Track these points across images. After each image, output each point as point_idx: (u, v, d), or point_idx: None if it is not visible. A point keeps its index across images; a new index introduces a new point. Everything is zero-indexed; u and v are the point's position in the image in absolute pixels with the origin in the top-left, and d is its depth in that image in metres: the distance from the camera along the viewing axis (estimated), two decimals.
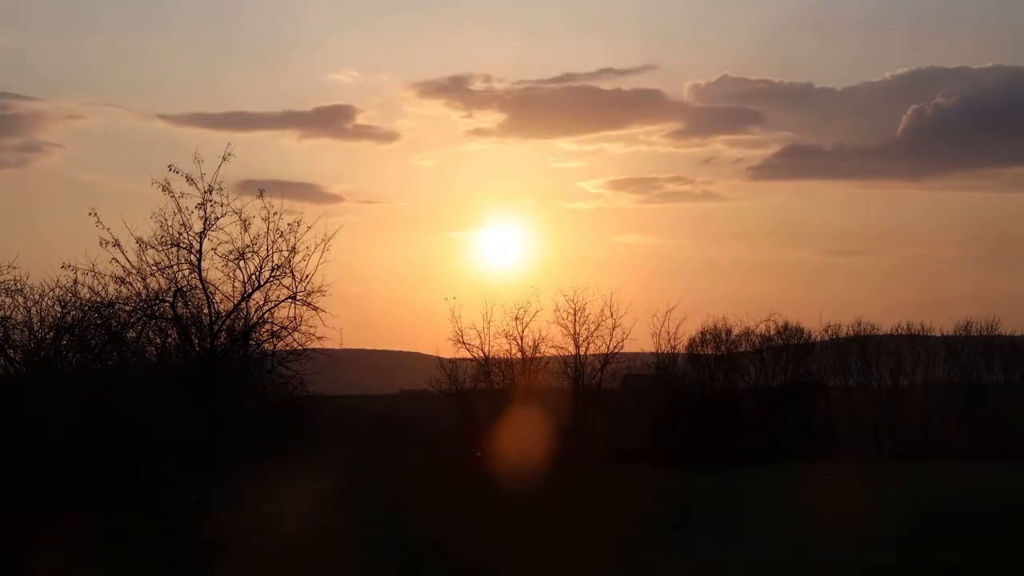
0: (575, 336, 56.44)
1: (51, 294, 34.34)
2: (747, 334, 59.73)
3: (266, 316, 37.40)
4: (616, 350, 56.78)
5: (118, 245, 35.26)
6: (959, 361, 59.95)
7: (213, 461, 33.94)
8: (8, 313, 34.11)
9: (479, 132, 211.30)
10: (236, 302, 37.00)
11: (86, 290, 35.00)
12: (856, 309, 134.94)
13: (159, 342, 37.69)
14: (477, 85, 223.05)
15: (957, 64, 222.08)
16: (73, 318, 34.67)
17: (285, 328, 37.22)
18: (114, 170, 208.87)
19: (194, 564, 20.98)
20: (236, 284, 36.83)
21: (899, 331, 60.97)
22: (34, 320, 34.28)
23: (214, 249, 36.30)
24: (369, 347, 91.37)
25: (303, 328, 37.07)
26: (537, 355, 56.28)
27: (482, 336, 55.54)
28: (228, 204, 35.92)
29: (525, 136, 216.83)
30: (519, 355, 55.95)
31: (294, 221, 36.67)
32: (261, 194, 36.31)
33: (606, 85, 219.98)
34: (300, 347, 37.80)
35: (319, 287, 36.90)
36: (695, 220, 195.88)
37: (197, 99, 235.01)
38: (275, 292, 37.13)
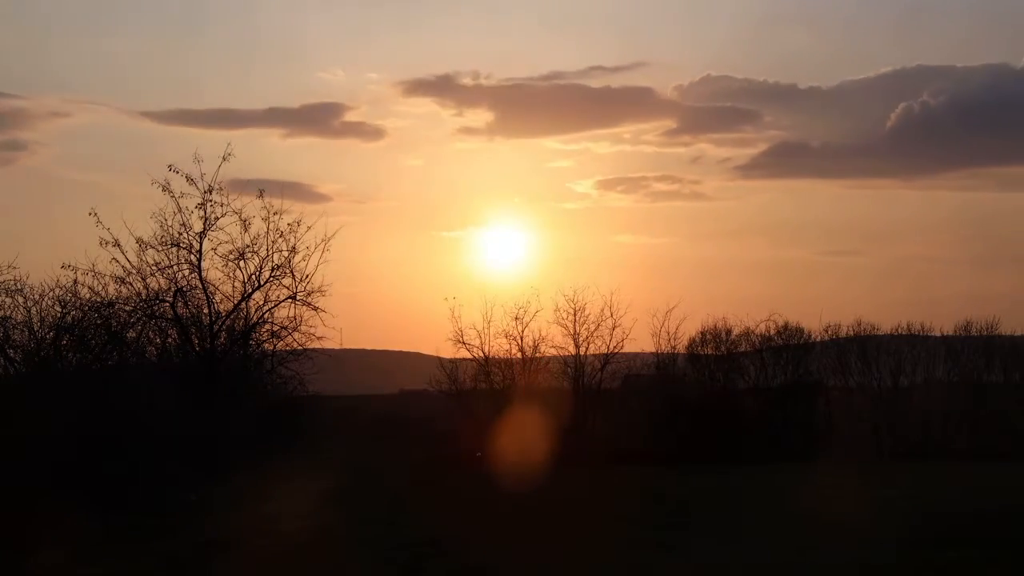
0: (575, 336, 56.46)
1: (51, 294, 34.41)
2: (747, 334, 59.76)
3: (266, 316, 37.45)
4: (616, 350, 56.81)
5: (118, 245, 35.33)
6: (959, 361, 59.95)
7: (213, 461, 33.93)
8: (8, 313, 34.17)
9: (467, 131, 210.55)
10: (236, 302, 37.04)
11: (86, 290, 35.06)
12: (850, 308, 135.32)
13: (159, 342, 37.73)
14: (465, 83, 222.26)
15: (942, 62, 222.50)
16: (73, 318, 34.69)
17: (285, 328, 37.28)
18: (102, 168, 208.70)
19: (194, 564, 20.98)
20: (236, 284, 36.89)
21: (899, 331, 60.99)
22: (34, 320, 34.32)
23: (214, 249, 36.37)
24: (369, 347, 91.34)
25: (303, 328, 37.12)
26: (537, 355, 56.30)
27: (482, 336, 55.56)
28: (228, 204, 35.97)
29: (514, 135, 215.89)
30: (519, 355, 55.98)
31: (294, 221, 36.74)
32: (261, 194, 36.39)
33: (595, 83, 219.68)
34: (300, 347, 37.83)
35: (319, 287, 36.95)
36: (686, 219, 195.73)
37: (181, 96, 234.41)
38: (275, 292, 37.19)
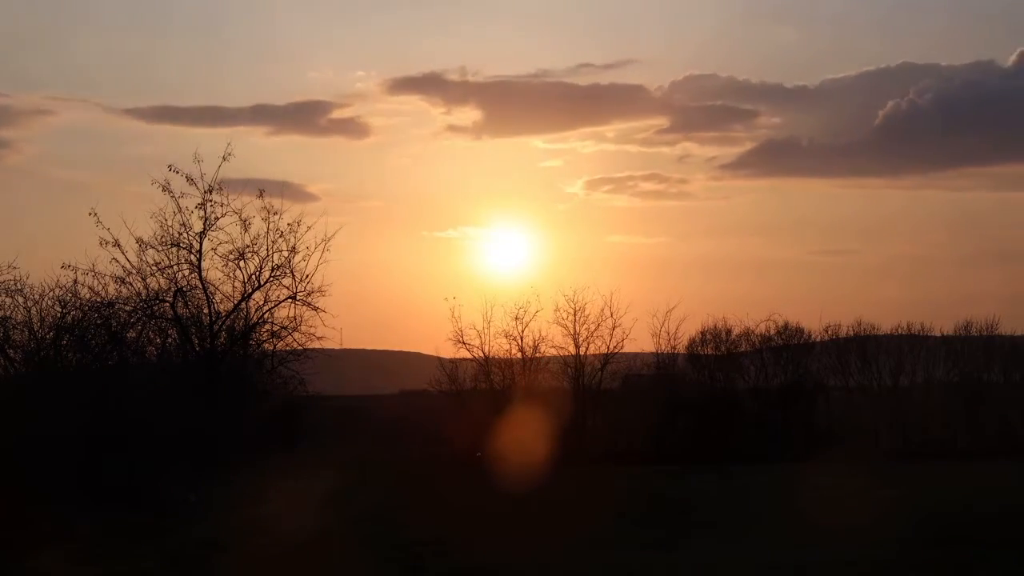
0: (575, 336, 56.51)
1: (51, 294, 34.39)
2: (747, 334, 59.86)
3: (266, 316, 37.40)
4: (616, 350, 56.87)
5: (118, 245, 35.27)
6: (959, 361, 60.01)
7: (213, 461, 33.92)
8: (8, 313, 34.16)
9: (454, 129, 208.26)
10: (236, 302, 36.99)
11: (86, 290, 35.02)
12: (841, 305, 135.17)
13: (159, 342, 37.69)
14: (453, 81, 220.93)
15: (928, 60, 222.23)
16: (73, 318, 34.68)
17: (285, 328, 37.23)
18: (86, 166, 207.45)
19: (194, 564, 20.98)
20: (236, 284, 36.83)
21: (899, 331, 61.05)
22: (34, 320, 34.31)
23: (214, 249, 36.30)
24: (369, 347, 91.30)
25: (303, 328, 37.08)
26: (537, 355, 56.36)
27: (482, 336, 55.61)
28: (228, 204, 35.92)
29: (501, 134, 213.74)
30: (519, 355, 56.01)
31: (294, 221, 36.68)
32: (261, 194, 36.34)
33: (583, 81, 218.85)
34: (300, 347, 37.79)
35: (319, 287, 36.91)
36: (676, 219, 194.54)
37: (165, 94, 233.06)
38: (275, 292, 37.13)
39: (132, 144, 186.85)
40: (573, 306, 56.28)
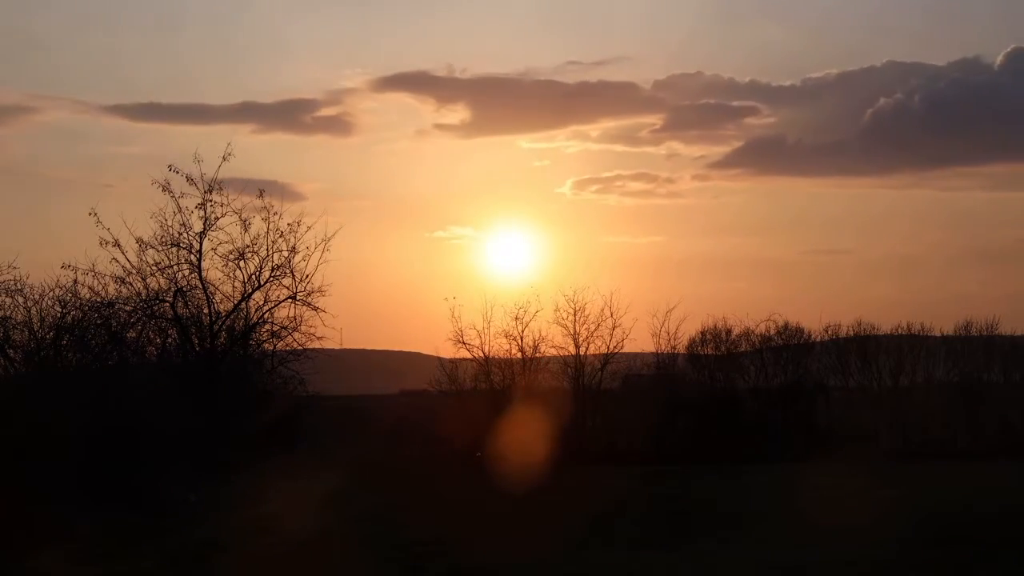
0: (575, 336, 56.51)
1: (51, 294, 34.38)
2: (747, 334, 59.88)
3: (266, 316, 37.38)
4: (616, 350, 56.86)
5: (118, 245, 35.27)
6: (959, 361, 60.02)
7: (213, 461, 33.93)
8: (8, 313, 34.15)
9: (442, 127, 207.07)
10: (236, 302, 36.98)
11: (86, 290, 35.01)
12: (841, 306, 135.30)
13: (159, 342, 37.68)
14: (440, 78, 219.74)
15: (915, 59, 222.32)
16: (73, 318, 34.68)
17: (285, 328, 37.22)
18: (72, 163, 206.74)
19: (194, 564, 20.99)
20: (236, 284, 36.81)
21: (899, 331, 61.07)
22: (34, 320, 34.31)
23: (214, 249, 36.29)
24: (369, 347, 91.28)
25: (303, 328, 37.08)
26: (537, 355, 56.34)
27: (482, 336, 55.59)
28: (228, 204, 35.92)
29: (490, 132, 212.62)
30: (519, 355, 56.00)
31: (294, 221, 36.68)
32: (261, 194, 36.34)
33: (570, 78, 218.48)
34: (300, 347, 37.79)
35: (319, 287, 36.91)
36: (668, 219, 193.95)
37: (151, 91, 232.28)
38: (275, 292, 37.11)
39: (117, 142, 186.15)
40: (573, 306, 56.33)
